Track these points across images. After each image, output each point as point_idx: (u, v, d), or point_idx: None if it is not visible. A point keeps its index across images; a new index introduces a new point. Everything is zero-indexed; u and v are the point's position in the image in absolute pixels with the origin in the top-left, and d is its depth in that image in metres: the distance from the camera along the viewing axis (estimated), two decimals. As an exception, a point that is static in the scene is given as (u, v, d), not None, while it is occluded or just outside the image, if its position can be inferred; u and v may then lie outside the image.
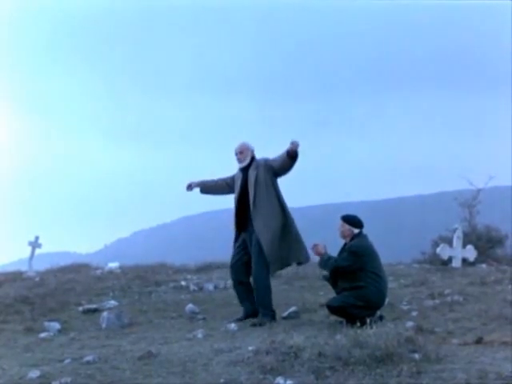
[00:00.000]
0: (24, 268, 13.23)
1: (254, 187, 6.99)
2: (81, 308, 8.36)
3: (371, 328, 5.02)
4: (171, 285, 9.80)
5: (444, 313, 7.01)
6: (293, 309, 7.40)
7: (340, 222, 6.77)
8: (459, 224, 12.34)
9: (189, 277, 10.51)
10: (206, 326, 6.88)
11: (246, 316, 7.00)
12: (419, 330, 5.80)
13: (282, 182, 7.21)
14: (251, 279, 7.16)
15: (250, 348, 5.14)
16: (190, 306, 8.03)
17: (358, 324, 5.87)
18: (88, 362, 5.11)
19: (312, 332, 5.96)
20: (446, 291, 8.16)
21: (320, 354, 4.64)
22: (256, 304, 7.05)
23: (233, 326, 6.65)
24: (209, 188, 7.58)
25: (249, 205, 6.99)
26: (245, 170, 7.16)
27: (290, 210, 7.15)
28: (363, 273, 6.44)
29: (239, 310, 7.65)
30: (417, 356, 4.60)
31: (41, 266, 13.43)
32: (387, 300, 6.98)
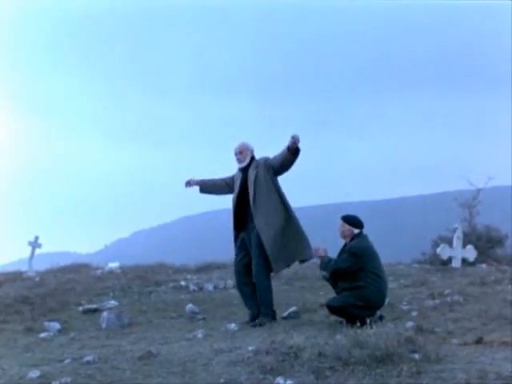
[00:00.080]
0: (24, 268, 13.23)
1: (254, 185, 6.97)
2: (81, 308, 8.36)
3: (371, 328, 5.02)
4: (171, 285, 9.80)
5: (444, 313, 7.01)
6: (293, 309, 7.40)
7: (340, 222, 6.77)
8: (459, 224, 12.33)
9: (189, 277, 10.51)
10: (205, 326, 6.88)
11: (253, 318, 6.91)
12: (419, 330, 5.80)
13: (281, 181, 7.19)
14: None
15: (250, 348, 5.14)
16: (189, 306, 8.02)
17: (358, 324, 5.87)
18: (88, 362, 5.11)
19: (312, 332, 5.95)
20: (446, 291, 8.16)
21: (320, 354, 4.64)
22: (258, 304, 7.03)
23: (233, 326, 6.65)
24: (208, 187, 7.55)
25: (248, 204, 6.97)
26: (244, 170, 7.14)
27: (292, 208, 7.12)
28: (363, 273, 6.44)
29: (239, 310, 7.66)
30: (417, 356, 4.60)
31: (41, 266, 13.43)
32: (387, 300, 6.97)
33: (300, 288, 9.29)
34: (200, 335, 6.24)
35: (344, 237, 6.74)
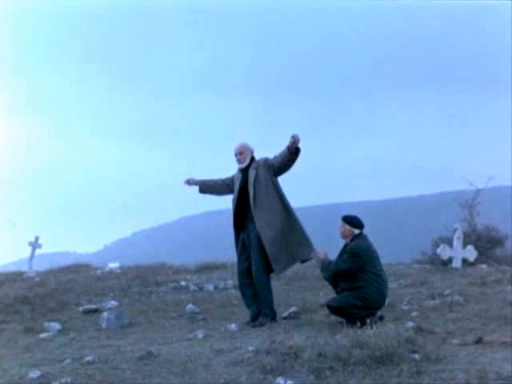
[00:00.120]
0: (24, 268, 13.22)
1: (254, 186, 6.96)
2: (81, 308, 8.37)
3: (371, 328, 5.02)
4: (171, 285, 9.80)
5: (444, 313, 7.01)
6: (293, 309, 7.40)
7: (340, 222, 6.77)
8: (459, 224, 12.31)
9: (189, 277, 10.51)
10: (206, 326, 6.88)
11: (253, 319, 6.90)
12: (419, 330, 5.80)
13: (281, 181, 7.19)
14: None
15: (250, 348, 5.14)
16: (189, 306, 8.03)
17: (358, 324, 5.88)
18: (88, 362, 5.12)
19: (312, 332, 5.96)
20: (446, 291, 8.16)
21: (320, 355, 4.64)
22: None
23: (233, 326, 6.65)
24: (208, 188, 7.53)
25: (248, 204, 6.96)
26: (244, 171, 7.13)
27: (293, 208, 7.11)
28: (363, 273, 6.44)
29: (239, 310, 7.66)
30: (417, 356, 4.61)
31: (41, 266, 13.43)
32: (387, 300, 6.97)
33: (300, 288, 9.29)
34: (200, 335, 6.24)
35: (344, 237, 6.74)
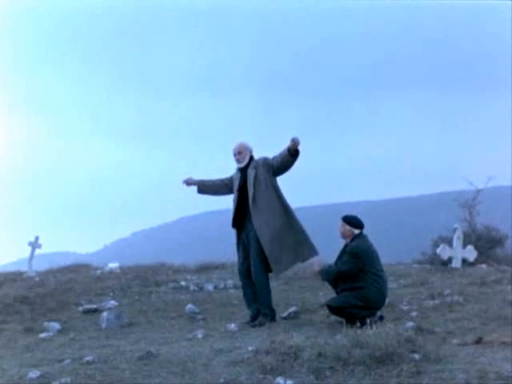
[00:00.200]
0: (24, 268, 13.22)
1: (254, 186, 6.95)
2: (81, 308, 8.36)
3: (371, 328, 5.02)
4: (171, 285, 9.80)
5: (444, 313, 7.01)
6: (293, 309, 7.40)
7: (340, 222, 6.77)
8: (459, 224, 12.32)
9: (189, 277, 10.51)
10: (206, 326, 6.88)
11: (253, 319, 6.90)
12: (419, 330, 5.80)
13: (281, 181, 7.18)
14: None
15: (250, 348, 5.14)
16: (189, 306, 8.02)
17: (358, 324, 5.88)
18: (88, 362, 5.12)
19: (312, 332, 5.96)
20: (446, 291, 8.16)
21: (320, 354, 4.64)
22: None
23: (233, 326, 6.65)
24: (207, 188, 7.50)
25: (248, 204, 6.96)
26: (243, 170, 7.12)
27: (292, 208, 7.10)
28: (364, 273, 6.44)
29: (239, 310, 7.66)
30: (417, 356, 4.61)
31: (41, 266, 13.43)
32: (387, 300, 6.97)
33: (300, 288, 9.28)
34: (200, 335, 6.23)
35: (344, 237, 6.74)
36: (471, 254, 11.44)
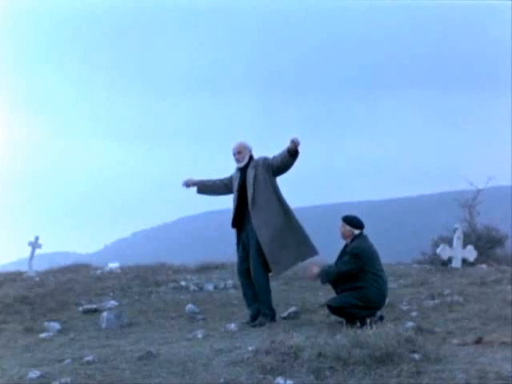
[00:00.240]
0: (24, 268, 13.22)
1: (253, 186, 6.95)
2: (81, 308, 8.37)
3: (371, 328, 5.02)
4: (171, 285, 9.80)
5: (444, 313, 7.01)
6: (293, 309, 7.40)
7: (340, 222, 6.76)
8: (459, 224, 12.32)
9: (189, 277, 10.51)
10: (206, 326, 6.88)
11: (253, 319, 6.89)
12: (419, 330, 5.80)
13: (281, 181, 7.18)
14: None
15: (250, 348, 5.14)
16: (189, 306, 8.02)
17: (358, 324, 5.88)
18: (88, 362, 5.12)
19: (312, 332, 5.96)
20: (446, 291, 8.16)
21: (320, 354, 4.64)
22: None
23: (233, 326, 6.65)
24: (206, 188, 7.50)
25: (247, 204, 6.96)
26: (243, 170, 7.11)
27: (291, 208, 7.10)
28: (364, 273, 6.44)
29: (239, 310, 7.66)
30: (417, 356, 4.61)
31: (41, 266, 13.43)
32: (387, 300, 6.97)
33: (300, 288, 9.28)
34: (200, 335, 6.23)
35: (344, 237, 6.74)
36: (471, 254, 11.44)
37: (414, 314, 7.06)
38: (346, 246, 6.73)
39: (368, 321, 5.48)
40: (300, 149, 6.73)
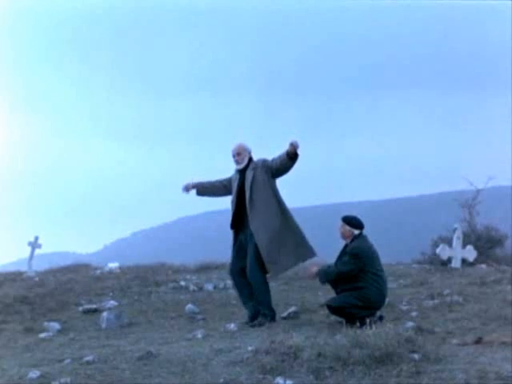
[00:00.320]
0: (24, 268, 13.23)
1: (251, 187, 6.95)
2: (81, 308, 8.37)
3: (371, 328, 5.02)
4: (171, 285, 9.80)
5: (444, 313, 7.02)
6: (292, 309, 7.40)
7: (340, 222, 6.76)
8: (459, 224, 12.32)
9: (188, 277, 10.51)
10: (205, 326, 6.89)
11: (252, 319, 6.89)
12: (419, 330, 5.80)
13: (281, 181, 7.18)
14: None
15: (250, 348, 5.14)
16: (189, 306, 8.03)
17: (358, 324, 5.87)
18: (88, 362, 5.12)
19: (312, 332, 5.96)
20: (446, 291, 8.16)
21: (320, 354, 4.64)
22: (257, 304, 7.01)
23: (232, 326, 6.65)
24: (206, 190, 7.49)
25: (245, 205, 6.96)
26: (242, 172, 7.10)
27: (290, 210, 7.10)
28: (364, 273, 6.44)
29: (239, 310, 7.66)
30: (416, 356, 4.61)
31: (41, 266, 13.43)
32: (387, 300, 6.98)
33: (299, 288, 9.28)
34: (200, 335, 6.24)
35: (344, 238, 6.74)
36: (471, 253, 11.44)
37: (413, 314, 7.06)
38: (345, 246, 6.73)
39: (368, 321, 5.48)
40: (299, 152, 6.74)
